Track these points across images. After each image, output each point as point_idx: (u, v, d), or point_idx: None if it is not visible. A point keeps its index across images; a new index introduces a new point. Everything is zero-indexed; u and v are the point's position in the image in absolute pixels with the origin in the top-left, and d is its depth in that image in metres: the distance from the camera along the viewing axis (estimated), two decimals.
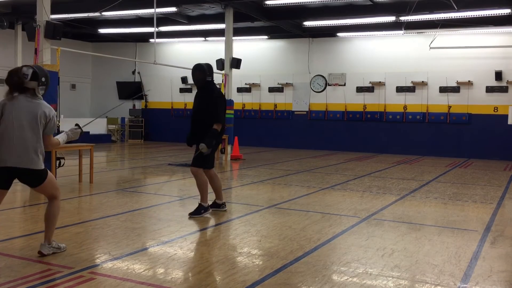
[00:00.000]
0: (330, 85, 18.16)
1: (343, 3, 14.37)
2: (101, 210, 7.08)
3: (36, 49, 9.49)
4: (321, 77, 18.25)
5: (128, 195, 8.31)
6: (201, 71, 6.69)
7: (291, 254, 4.94)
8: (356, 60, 17.82)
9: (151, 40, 19.10)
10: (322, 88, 18.26)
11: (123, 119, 21.15)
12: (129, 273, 4.29)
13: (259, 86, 19.24)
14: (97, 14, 14.74)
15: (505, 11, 13.27)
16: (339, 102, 18.05)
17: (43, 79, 4.54)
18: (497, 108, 15.90)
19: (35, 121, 4.44)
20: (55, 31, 9.47)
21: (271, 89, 19.06)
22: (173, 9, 14.48)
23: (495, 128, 15.87)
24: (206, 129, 6.49)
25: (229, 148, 14.29)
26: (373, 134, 17.58)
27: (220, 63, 14.67)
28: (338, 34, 17.52)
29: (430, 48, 16.19)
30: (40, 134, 4.48)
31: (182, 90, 20.55)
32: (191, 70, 6.83)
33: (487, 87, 16.01)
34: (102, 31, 18.70)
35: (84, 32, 19.71)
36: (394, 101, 17.28)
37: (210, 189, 6.79)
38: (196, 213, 6.59)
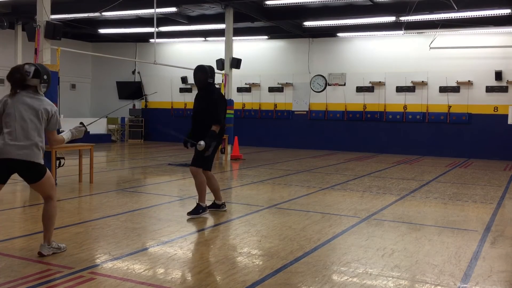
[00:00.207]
0: (330, 85, 18.15)
1: (343, 3, 14.36)
2: (101, 210, 7.08)
3: (36, 49, 9.48)
4: (321, 77, 18.24)
5: (128, 195, 8.31)
6: (204, 73, 6.72)
7: (291, 254, 4.94)
8: (356, 60, 17.82)
9: (151, 40, 19.11)
10: (322, 88, 18.26)
11: (123, 119, 21.15)
12: (129, 273, 4.29)
13: (259, 86, 19.24)
14: (97, 14, 14.74)
15: (505, 11, 13.27)
16: (339, 102, 18.05)
17: (45, 77, 4.56)
18: (497, 108, 15.89)
19: (36, 117, 4.47)
20: (55, 31, 9.46)
21: (271, 89, 19.06)
22: (173, 9, 14.47)
23: (495, 128, 15.87)
24: (206, 130, 6.52)
25: (229, 148, 14.29)
26: (373, 134, 17.58)
27: (220, 63, 14.67)
28: (338, 34, 17.51)
29: (430, 48, 16.19)
30: (41, 129, 4.51)
31: (182, 90, 20.55)
32: (193, 71, 6.86)
33: (487, 87, 16.01)
34: (102, 31, 18.69)
35: (84, 32, 19.71)
36: (394, 101, 17.27)
37: (208, 190, 6.80)
38: (195, 213, 6.60)
